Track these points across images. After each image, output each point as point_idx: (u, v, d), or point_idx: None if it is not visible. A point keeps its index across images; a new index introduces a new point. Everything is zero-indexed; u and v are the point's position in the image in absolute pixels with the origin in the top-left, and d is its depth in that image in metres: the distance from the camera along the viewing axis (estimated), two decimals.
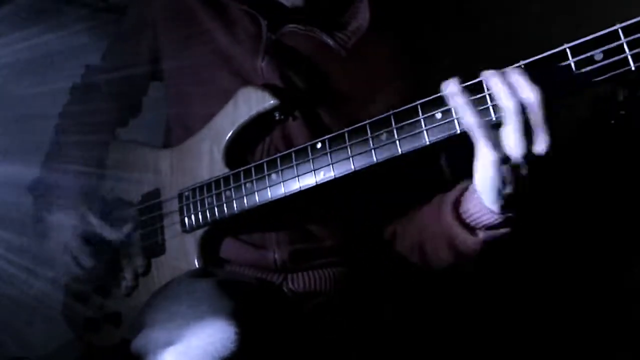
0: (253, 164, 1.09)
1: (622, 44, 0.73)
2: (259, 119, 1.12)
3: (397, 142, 0.91)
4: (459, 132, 0.85)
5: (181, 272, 1.17)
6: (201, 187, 1.16)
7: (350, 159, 0.96)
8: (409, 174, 1.13)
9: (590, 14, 1.71)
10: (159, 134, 1.39)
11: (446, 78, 0.86)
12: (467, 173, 0.92)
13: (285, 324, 1.08)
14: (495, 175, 0.87)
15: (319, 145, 1.00)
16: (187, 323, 0.90)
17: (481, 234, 1.00)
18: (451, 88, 0.84)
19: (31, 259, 1.49)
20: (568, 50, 0.76)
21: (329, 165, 0.99)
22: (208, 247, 1.18)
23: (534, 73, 0.79)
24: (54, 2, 1.75)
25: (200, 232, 1.17)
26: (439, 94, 0.86)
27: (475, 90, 0.83)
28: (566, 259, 1.78)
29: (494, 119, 0.82)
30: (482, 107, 0.83)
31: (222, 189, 1.12)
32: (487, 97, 0.83)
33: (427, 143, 0.88)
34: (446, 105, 0.86)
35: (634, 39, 0.72)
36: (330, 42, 1.14)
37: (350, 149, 0.96)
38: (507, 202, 0.93)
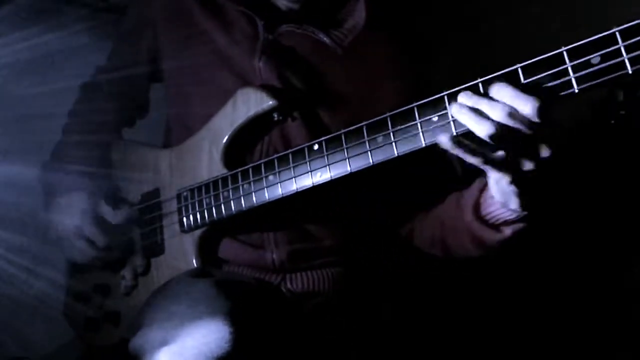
0: (251, 165, 1.09)
1: (619, 48, 0.72)
2: (258, 120, 1.12)
3: (394, 144, 0.91)
4: (455, 134, 0.84)
5: (180, 271, 1.17)
6: (199, 188, 1.16)
7: (347, 160, 0.96)
8: (409, 172, 1.12)
9: (590, 15, 1.70)
10: (159, 134, 1.39)
11: (446, 78, 0.86)
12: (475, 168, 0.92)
13: (283, 324, 1.08)
14: (510, 189, 0.89)
15: (315, 147, 1.00)
16: (184, 323, 0.90)
17: (507, 230, 1.03)
18: (444, 139, 0.83)
19: (31, 259, 1.50)
20: (565, 53, 0.76)
21: (325, 166, 0.99)
22: (206, 248, 1.19)
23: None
24: (54, 2, 1.75)
25: (198, 232, 1.17)
26: (436, 96, 0.86)
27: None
28: (566, 259, 1.78)
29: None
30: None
31: (220, 189, 1.12)
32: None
33: (424, 145, 0.87)
34: (443, 107, 0.86)
35: (631, 43, 0.72)
36: (327, 40, 1.14)
37: (346, 150, 0.96)
38: (527, 204, 0.95)
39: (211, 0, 1.21)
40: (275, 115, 1.12)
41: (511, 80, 0.80)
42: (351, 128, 0.96)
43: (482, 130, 0.79)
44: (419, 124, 0.88)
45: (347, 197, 1.13)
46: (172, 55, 1.26)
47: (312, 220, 1.18)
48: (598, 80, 0.74)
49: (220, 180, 1.13)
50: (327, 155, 0.99)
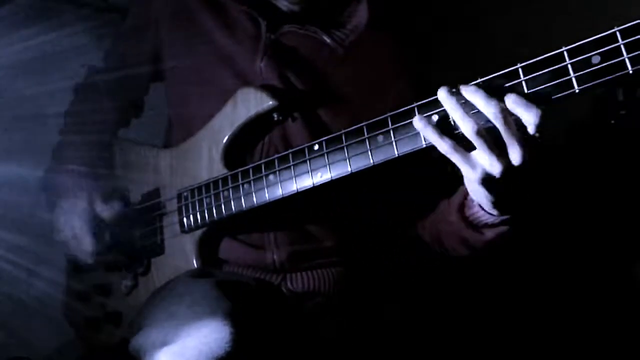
0: (251, 165, 1.09)
1: (619, 47, 0.72)
2: (258, 120, 1.12)
3: (394, 143, 0.91)
4: (455, 134, 0.84)
5: (180, 272, 1.17)
6: (199, 188, 1.16)
7: (347, 160, 0.96)
8: (410, 172, 1.12)
9: (590, 15, 1.70)
10: (159, 134, 1.39)
11: (446, 78, 0.86)
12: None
13: (284, 324, 1.08)
14: (481, 189, 0.88)
15: (316, 147, 1.00)
16: (184, 323, 0.90)
17: (489, 233, 1.03)
18: (417, 122, 0.86)
19: (31, 259, 1.50)
20: (565, 53, 0.76)
21: (325, 166, 0.99)
22: (206, 248, 1.19)
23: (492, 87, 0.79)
24: (54, 2, 1.75)
25: (198, 232, 1.17)
26: (435, 97, 0.86)
27: (444, 117, 0.84)
28: (566, 259, 1.78)
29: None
30: (449, 131, 0.84)
31: (220, 189, 1.12)
32: (452, 121, 0.84)
33: (424, 145, 0.87)
34: (443, 107, 0.86)
35: (631, 42, 0.71)
36: (328, 40, 1.14)
37: (347, 150, 0.96)
38: (502, 208, 0.94)
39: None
40: (276, 116, 1.12)
41: (512, 79, 0.80)
42: (351, 128, 0.96)
43: (467, 125, 0.80)
44: None
45: (348, 197, 1.13)
46: (173, 55, 1.26)
47: (312, 220, 1.18)
48: (598, 80, 0.74)
49: (220, 180, 1.13)
50: (328, 154, 0.98)
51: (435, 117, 0.86)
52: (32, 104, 1.60)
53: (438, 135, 0.84)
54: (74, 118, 1.37)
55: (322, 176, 0.99)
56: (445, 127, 0.85)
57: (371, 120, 0.94)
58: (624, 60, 0.72)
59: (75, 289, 1.35)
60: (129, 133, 1.45)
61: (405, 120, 0.89)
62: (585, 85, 0.75)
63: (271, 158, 1.06)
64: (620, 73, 0.72)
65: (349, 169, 0.96)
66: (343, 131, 0.97)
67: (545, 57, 0.77)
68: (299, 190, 1.02)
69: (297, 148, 1.03)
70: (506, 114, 0.78)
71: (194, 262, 1.17)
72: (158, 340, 0.90)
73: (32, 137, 1.48)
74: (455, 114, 0.82)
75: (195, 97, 1.23)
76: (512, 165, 0.81)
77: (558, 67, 0.76)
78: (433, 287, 1.55)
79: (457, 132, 0.84)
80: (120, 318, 1.27)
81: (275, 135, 1.15)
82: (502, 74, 0.81)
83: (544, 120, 0.76)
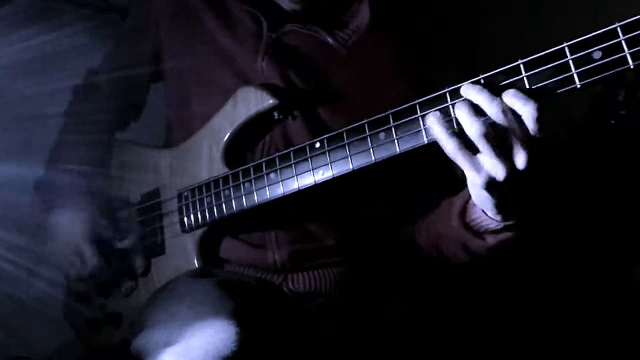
0: (252, 164, 1.08)
1: (620, 42, 0.72)
2: (258, 119, 1.12)
3: (396, 141, 0.90)
4: (457, 131, 0.84)
5: (181, 272, 1.17)
6: (200, 187, 1.15)
7: (349, 158, 0.96)
8: (412, 171, 1.12)
9: (590, 15, 1.70)
10: (159, 134, 1.38)
11: (447, 78, 0.86)
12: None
13: (286, 323, 1.08)
14: (485, 194, 0.87)
15: (317, 145, 1.00)
16: (187, 323, 0.90)
17: (490, 239, 1.02)
18: (432, 115, 0.85)
19: (31, 259, 1.49)
20: (566, 49, 0.76)
21: (327, 164, 0.98)
22: (207, 247, 1.18)
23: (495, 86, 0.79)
24: (54, 2, 1.75)
25: (199, 232, 1.17)
26: (436, 93, 0.86)
27: (447, 115, 0.84)
28: (566, 259, 1.78)
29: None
30: (454, 131, 0.83)
31: (221, 188, 1.12)
32: (454, 121, 0.84)
33: (426, 142, 0.87)
34: (444, 104, 0.86)
35: (632, 37, 0.72)
36: (331, 40, 1.14)
37: (348, 148, 0.96)
38: (506, 213, 0.94)
39: None
40: (276, 114, 1.12)
41: (513, 75, 0.80)
42: (353, 125, 0.95)
43: (473, 128, 0.80)
44: (420, 120, 0.88)
45: (349, 196, 1.13)
46: (173, 55, 1.26)
47: (314, 219, 1.18)
48: (600, 76, 0.74)
49: (221, 179, 1.12)
50: (329, 152, 0.98)
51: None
52: (32, 104, 1.60)
53: (447, 133, 0.83)
54: (74, 118, 1.37)
55: (323, 174, 0.99)
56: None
57: (372, 118, 0.93)
58: (625, 55, 0.72)
59: (75, 289, 1.35)
60: (128, 133, 1.44)
61: (406, 118, 0.89)
62: (587, 81, 0.75)
63: (272, 156, 1.06)
64: (622, 68, 0.72)
65: (351, 167, 0.96)
66: (344, 129, 0.96)
67: (546, 53, 0.78)
68: (300, 189, 1.02)
69: (299, 146, 1.02)
70: (509, 113, 0.78)
71: (195, 261, 1.17)
72: (161, 341, 0.89)
73: (32, 137, 1.48)
74: (462, 115, 0.81)
75: (195, 97, 1.22)
76: (517, 169, 0.81)
77: (560, 63, 0.76)
78: (435, 286, 1.55)
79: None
80: (121, 319, 1.27)
81: (275, 134, 1.14)
82: (503, 70, 0.81)
83: (543, 113, 0.76)
